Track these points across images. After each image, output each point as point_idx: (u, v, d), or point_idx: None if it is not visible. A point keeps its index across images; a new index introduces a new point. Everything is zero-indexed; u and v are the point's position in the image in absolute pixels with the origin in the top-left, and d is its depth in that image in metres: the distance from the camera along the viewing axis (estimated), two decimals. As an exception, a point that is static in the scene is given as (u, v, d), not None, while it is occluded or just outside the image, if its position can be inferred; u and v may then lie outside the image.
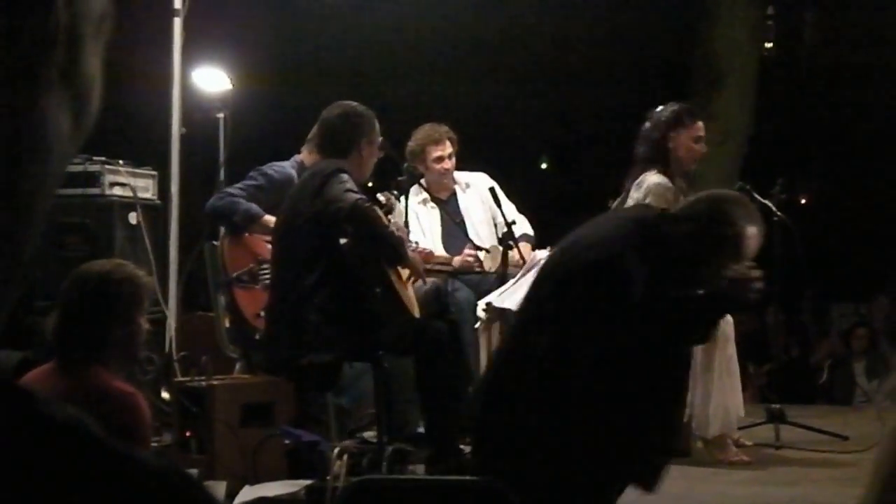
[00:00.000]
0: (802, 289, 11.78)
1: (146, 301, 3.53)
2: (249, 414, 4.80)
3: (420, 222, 6.54)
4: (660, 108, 5.64)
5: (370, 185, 5.75)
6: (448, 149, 6.53)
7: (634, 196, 5.48)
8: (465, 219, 6.58)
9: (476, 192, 6.59)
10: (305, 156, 5.83)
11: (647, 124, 5.60)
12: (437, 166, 6.52)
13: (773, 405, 6.10)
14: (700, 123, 5.65)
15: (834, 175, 13.95)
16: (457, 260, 6.41)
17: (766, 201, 6.07)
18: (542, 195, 12.34)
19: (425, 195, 6.56)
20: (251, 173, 5.76)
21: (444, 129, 6.57)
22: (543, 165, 15.69)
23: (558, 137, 14.14)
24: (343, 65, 12.24)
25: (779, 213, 6.06)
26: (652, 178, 5.45)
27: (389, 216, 5.21)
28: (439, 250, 6.47)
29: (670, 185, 5.44)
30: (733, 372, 5.43)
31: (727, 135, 9.57)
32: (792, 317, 11.53)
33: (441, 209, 6.55)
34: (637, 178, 5.51)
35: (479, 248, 6.29)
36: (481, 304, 5.67)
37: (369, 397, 5.29)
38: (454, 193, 6.69)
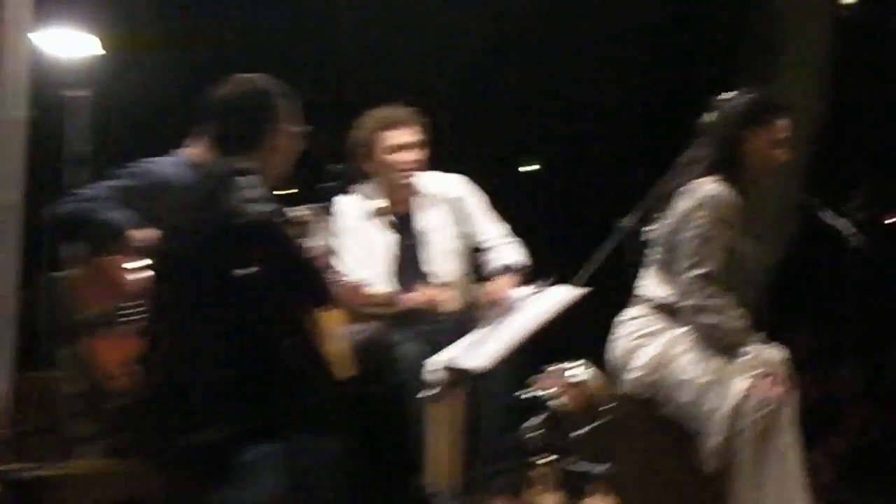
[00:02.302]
0: (889, 338, 11.78)
1: None
2: (105, 516, 4.76)
3: (361, 244, 6.43)
4: (727, 94, 5.60)
5: (296, 191, 5.66)
6: (412, 135, 6.42)
7: (682, 206, 5.45)
8: (420, 244, 6.48)
9: (444, 207, 6.47)
10: (193, 151, 5.78)
11: (713, 115, 5.56)
12: (393, 158, 6.42)
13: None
14: (783, 122, 5.60)
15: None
16: (407, 298, 6.29)
17: (839, 220, 6.13)
18: (534, 201, 12.51)
19: (377, 204, 6.44)
20: (114, 171, 5.72)
21: (407, 110, 6.44)
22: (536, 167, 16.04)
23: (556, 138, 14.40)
24: (258, 23, 12.22)
25: (856, 236, 6.06)
26: (710, 186, 5.44)
27: (308, 238, 5.18)
28: (385, 285, 6.36)
29: (732, 199, 5.41)
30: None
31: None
32: (875, 375, 11.50)
33: (395, 228, 6.44)
34: (686, 185, 5.48)
35: (436, 284, 6.22)
36: (435, 363, 5.63)
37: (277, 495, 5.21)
38: (414, 208, 6.57)
